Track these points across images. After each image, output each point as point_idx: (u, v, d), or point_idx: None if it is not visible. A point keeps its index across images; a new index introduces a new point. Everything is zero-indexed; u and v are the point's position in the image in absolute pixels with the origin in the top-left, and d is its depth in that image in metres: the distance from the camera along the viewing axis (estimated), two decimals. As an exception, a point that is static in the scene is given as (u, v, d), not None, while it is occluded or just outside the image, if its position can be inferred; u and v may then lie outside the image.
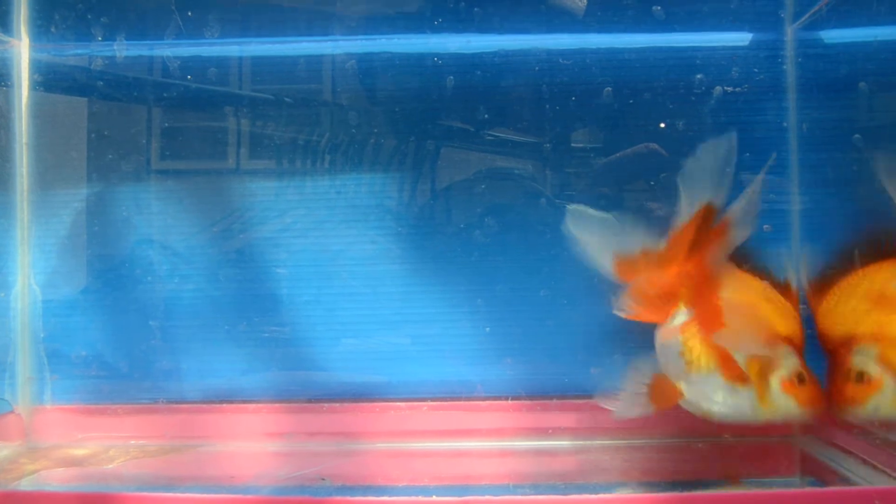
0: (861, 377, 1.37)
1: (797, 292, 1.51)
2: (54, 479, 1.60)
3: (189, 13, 1.83)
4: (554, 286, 1.83)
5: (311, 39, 1.89)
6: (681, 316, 1.49)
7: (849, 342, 1.42)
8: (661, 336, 1.51)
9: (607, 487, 1.49)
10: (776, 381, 1.38)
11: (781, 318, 1.43)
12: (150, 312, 1.86)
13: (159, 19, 1.84)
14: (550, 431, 1.77)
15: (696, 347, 1.44)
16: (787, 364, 1.38)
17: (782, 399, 1.37)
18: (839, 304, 1.50)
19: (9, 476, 1.57)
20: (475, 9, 1.82)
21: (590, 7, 1.82)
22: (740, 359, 1.40)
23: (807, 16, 1.80)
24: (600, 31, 1.84)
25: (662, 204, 1.82)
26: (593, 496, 1.26)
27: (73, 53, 1.88)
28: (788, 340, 1.40)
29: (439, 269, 1.87)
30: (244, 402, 1.83)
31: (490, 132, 1.86)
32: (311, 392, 1.85)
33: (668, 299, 1.52)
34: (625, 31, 1.83)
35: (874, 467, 1.50)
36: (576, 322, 1.82)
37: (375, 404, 1.82)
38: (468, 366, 1.84)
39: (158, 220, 1.89)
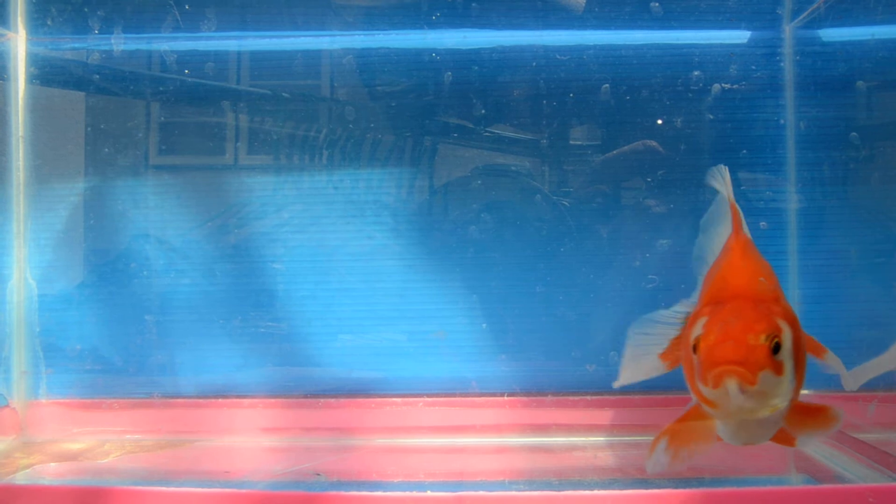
0: None
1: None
2: (49, 473, 1.60)
3: (186, 7, 1.83)
4: (550, 283, 1.83)
5: (309, 34, 1.89)
6: None
7: None
8: None
9: (602, 484, 1.49)
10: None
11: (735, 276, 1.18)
12: (146, 307, 1.86)
13: (156, 13, 1.84)
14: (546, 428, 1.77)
15: None
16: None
17: (702, 388, 1.07)
18: None
19: (3, 470, 1.57)
20: (473, 4, 1.82)
21: (588, 3, 1.82)
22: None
23: (805, 14, 1.80)
24: (598, 27, 1.83)
25: (659, 201, 1.83)
26: (588, 493, 1.25)
27: (70, 47, 1.88)
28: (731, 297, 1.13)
29: (436, 266, 1.86)
30: (240, 397, 1.83)
31: (487, 128, 1.86)
32: (307, 387, 1.85)
33: None
34: (623, 27, 1.83)
35: (869, 465, 1.50)
36: (571, 319, 1.82)
37: (371, 400, 1.82)
38: (464, 362, 1.84)
39: (155, 215, 1.89)
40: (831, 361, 1.34)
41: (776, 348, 1.06)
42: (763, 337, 1.05)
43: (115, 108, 1.90)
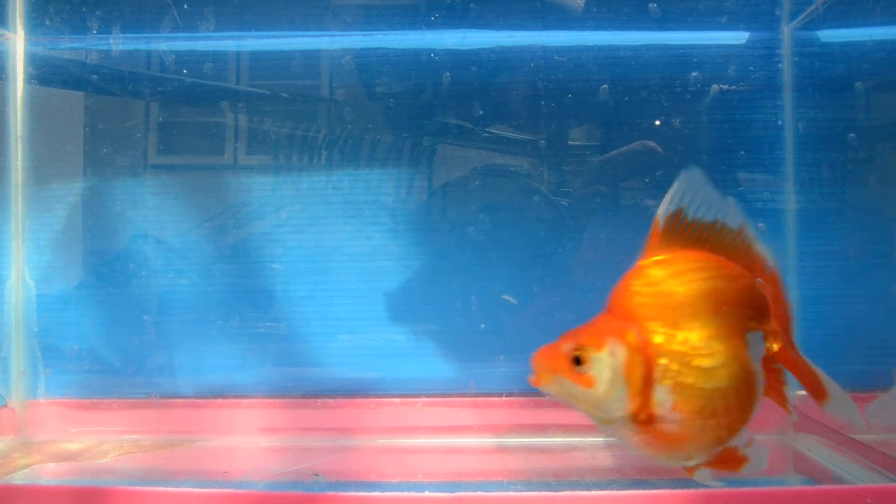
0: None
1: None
2: (48, 473, 1.60)
3: (185, 7, 1.83)
4: (548, 283, 1.83)
5: (308, 34, 1.89)
6: None
7: None
8: None
9: (600, 484, 1.49)
10: None
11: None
12: (145, 307, 1.86)
13: (155, 13, 1.83)
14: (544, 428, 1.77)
15: None
16: None
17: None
18: None
19: (2, 470, 1.57)
20: (471, 5, 1.82)
21: (586, 4, 1.82)
22: None
23: (803, 15, 1.80)
24: (597, 28, 1.84)
25: (658, 201, 1.82)
26: (586, 493, 1.26)
27: (69, 47, 1.88)
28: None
29: (434, 266, 1.87)
30: (238, 397, 1.83)
31: (486, 129, 1.86)
32: (306, 388, 1.85)
33: None
34: (621, 28, 1.83)
35: (867, 466, 1.50)
36: (569, 319, 1.82)
37: (370, 400, 1.82)
38: (462, 362, 1.84)
39: (154, 215, 1.89)
40: (833, 409, 1.31)
41: (577, 360, 1.15)
42: (568, 346, 1.16)
43: (113, 108, 1.90)
